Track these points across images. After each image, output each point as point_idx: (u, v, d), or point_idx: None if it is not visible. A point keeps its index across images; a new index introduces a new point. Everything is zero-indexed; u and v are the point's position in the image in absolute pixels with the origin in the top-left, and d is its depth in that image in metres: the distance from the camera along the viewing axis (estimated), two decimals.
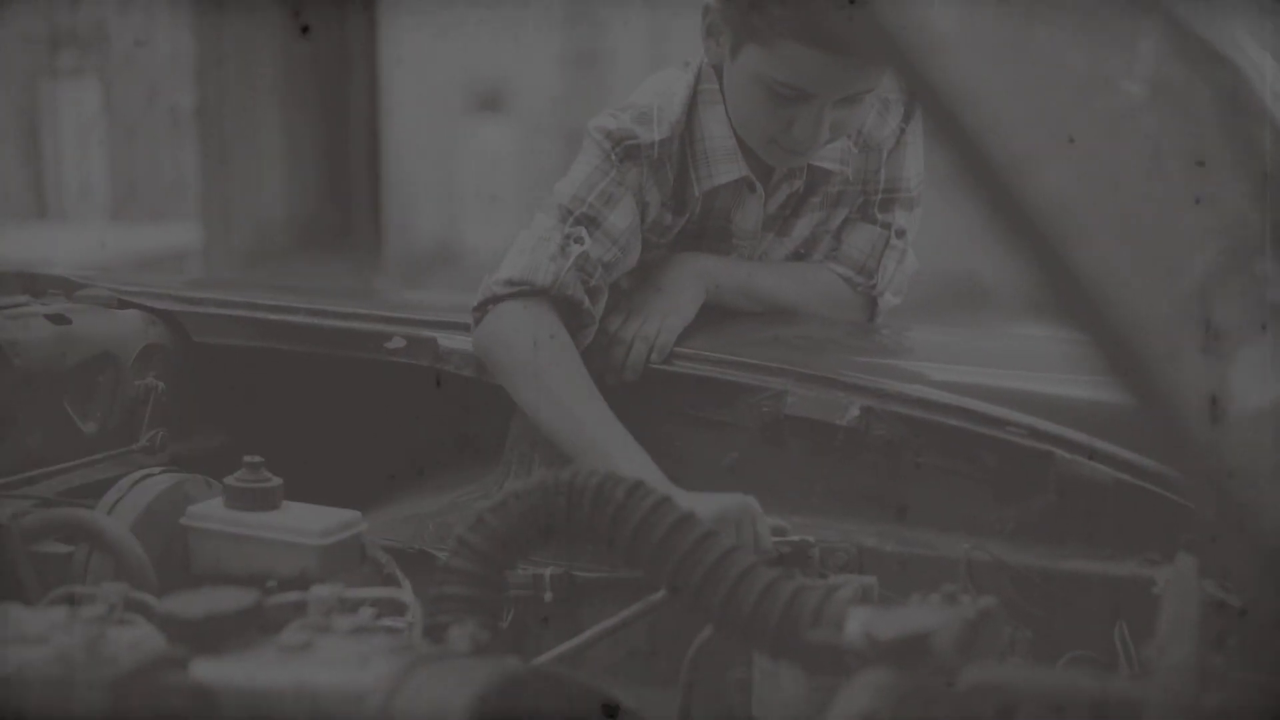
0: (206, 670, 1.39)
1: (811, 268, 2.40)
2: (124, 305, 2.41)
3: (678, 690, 1.79)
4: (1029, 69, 1.28)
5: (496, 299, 2.16)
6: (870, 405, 2.05)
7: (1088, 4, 1.49)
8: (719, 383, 2.15)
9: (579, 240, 2.16)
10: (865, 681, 1.37)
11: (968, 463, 2.01)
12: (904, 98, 2.33)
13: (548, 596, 2.08)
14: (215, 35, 10.25)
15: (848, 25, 1.87)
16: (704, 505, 1.82)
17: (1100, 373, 1.14)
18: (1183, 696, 1.27)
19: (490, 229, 10.17)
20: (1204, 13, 1.60)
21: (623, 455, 2.04)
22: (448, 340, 2.27)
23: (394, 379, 2.35)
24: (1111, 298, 1.09)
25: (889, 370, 2.16)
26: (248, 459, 1.97)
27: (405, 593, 1.78)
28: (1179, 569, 1.62)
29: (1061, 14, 1.44)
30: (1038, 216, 1.03)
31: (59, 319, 2.26)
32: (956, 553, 1.94)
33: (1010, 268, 1.10)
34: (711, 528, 1.61)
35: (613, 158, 2.20)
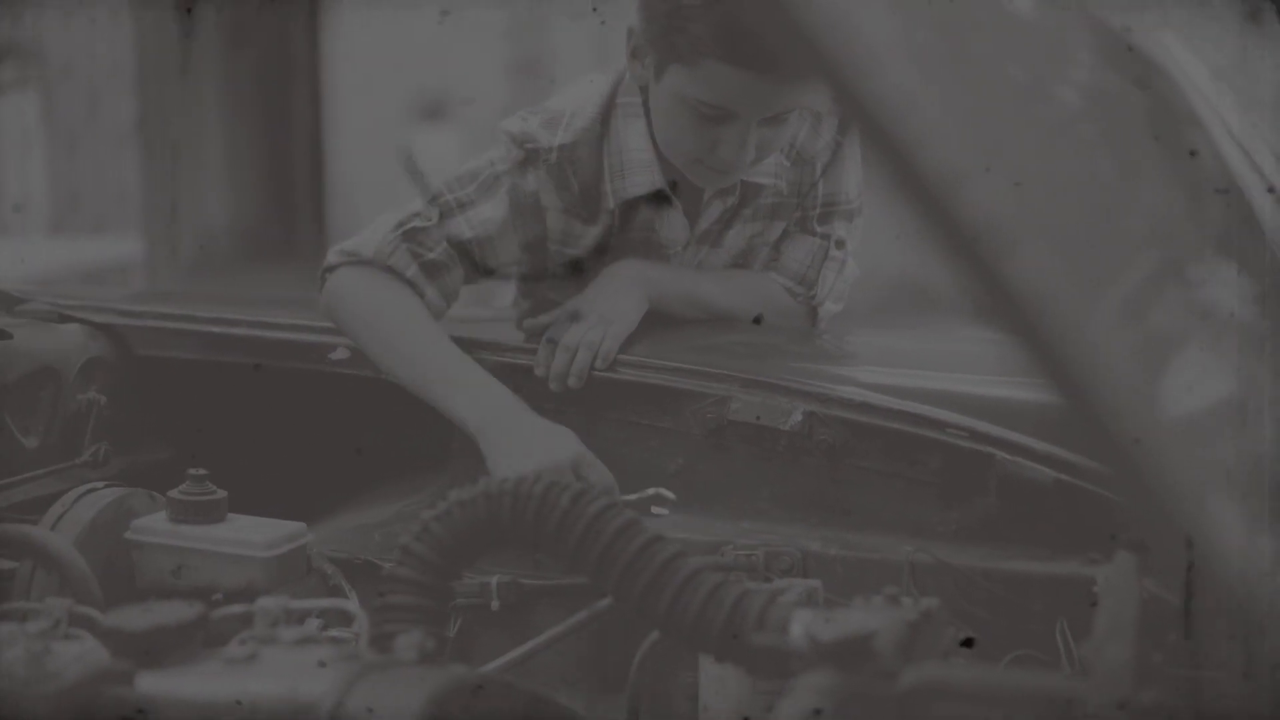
0: (152, 683, 1.39)
1: (753, 276, 2.42)
2: (65, 320, 2.40)
3: (625, 695, 1.80)
4: (964, 79, 1.30)
5: (331, 268, 2.28)
6: (813, 410, 2.06)
7: (1021, 13, 1.51)
8: (663, 389, 2.15)
9: (426, 218, 2.26)
10: (808, 683, 1.38)
11: (910, 466, 2.03)
12: (838, 110, 2.34)
13: (495, 604, 2.08)
14: (156, 45, 10.19)
15: (770, 43, 1.89)
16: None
17: (1037, 379, 1.16)
18: (1120, 694, 1.28)
19: None
20: (1135, 20, 1.63)
21: (465, 378, 2.17)
22: None
23: (337, 390, 2.35)
24: (1046, 307, 1.10)
25: (831, 375, 2.17)
26: (191, 472, 1.97)
27: (351, 603, 1.78)
28: (1118, 567, 1.64)
29: (996, 24, 1.45)
30: (971, 227, 1.05)
31: None
32: (900, 555, 1.96)
33: (947, 275, 1.11)
34: (657, 533, 1.62)
35: (507, 157, 2.26)
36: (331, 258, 2.28)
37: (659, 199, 2.29)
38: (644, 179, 2.27)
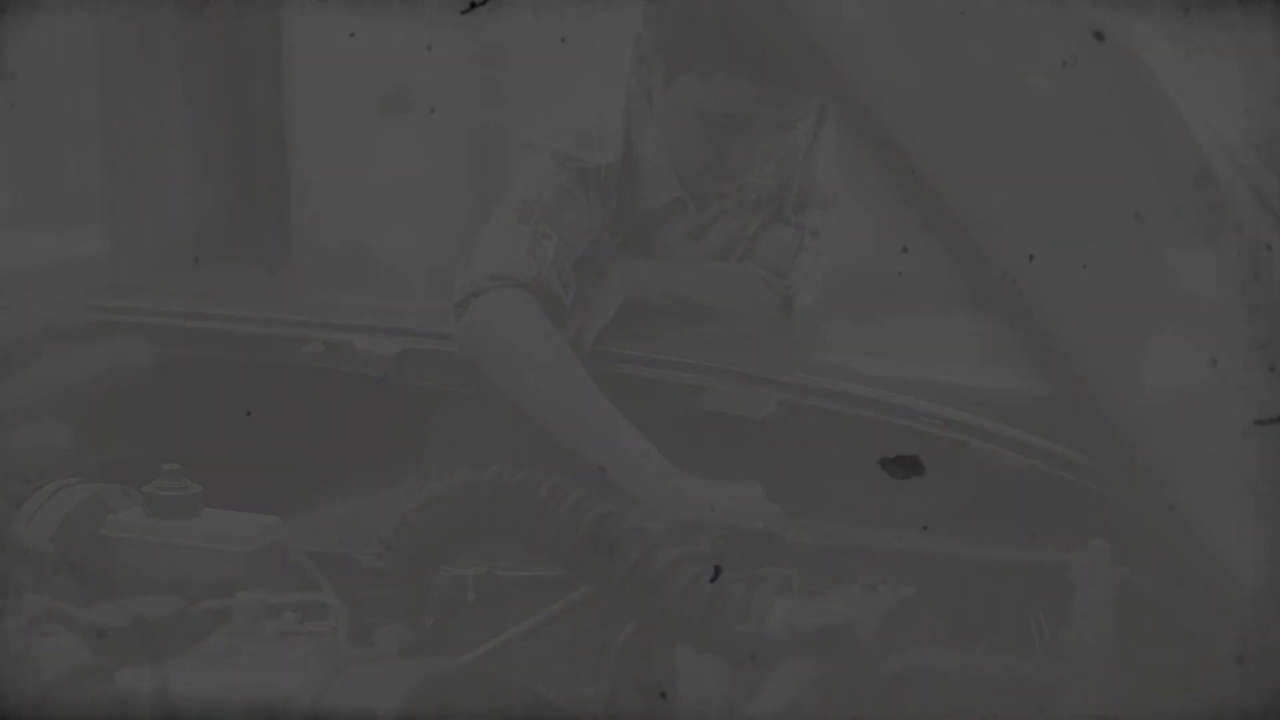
0: (133, 678, 1.39)
1: (729, 267, 2.41)
2: None
3: (603, 685, 1.80)
4: (945, 66, 1.30)
5: (480, 292, 2.13)
6: (787, 399, 2.07)
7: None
8: (638, 380, 2.15)
9: (546, 236, 2.14)
10: (788, 672, 1.39)
11: (884, 454, 2.03)
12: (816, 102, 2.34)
13: (471, 597, 2.07)
14: (117, 40, 10.14)
15: (783, 53, 1.88)
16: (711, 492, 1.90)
17: (1018, 361, 1.16)
18: (1097, 678, 1.29)
19: (399, 230, 10.12)
20: (1110, 7, 1.63)
21: (627, 443, 2.03)
22: (365, 344, 2.27)
23: (311, 383, 2.34)
24: (1027, 288, 1.11)
25: (806, 365, 2.18)
26: (166, 467, 1.96)
27: (329, 596, 1.78)
28: (1093, 554, 1.65)
29: (973, 8, 1.46)
30: (955, 211, 1.05)
31: None
32: (874, 543, 1.96)
33: (926, 260, 1.12)
34: (636, 523, 1.62)
35: (564, 165, 2.19)
36: (479, 282, 2.12)
37: (673, 204, 2.28)
38: (666, 187, 2.26)
